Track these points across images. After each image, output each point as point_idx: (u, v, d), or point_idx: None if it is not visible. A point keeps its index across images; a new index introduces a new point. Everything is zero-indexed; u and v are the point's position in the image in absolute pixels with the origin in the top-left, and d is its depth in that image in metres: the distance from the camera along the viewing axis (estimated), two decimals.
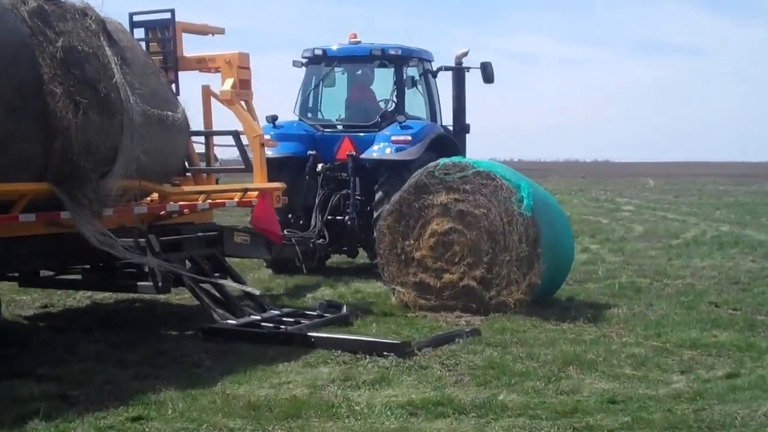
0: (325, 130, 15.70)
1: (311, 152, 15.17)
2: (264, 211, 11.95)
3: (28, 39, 8.55)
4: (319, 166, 15.11)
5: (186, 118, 10.69)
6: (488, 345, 9.60)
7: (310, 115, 15.94)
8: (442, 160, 12.12)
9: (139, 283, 10.49)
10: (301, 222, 14.81)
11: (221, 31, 12.99)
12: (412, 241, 11.81)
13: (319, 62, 15.94)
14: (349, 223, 14.68)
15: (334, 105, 16.22)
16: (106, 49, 9.30)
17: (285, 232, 13.15)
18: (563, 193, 41.58)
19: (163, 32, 12.22)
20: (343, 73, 16.27)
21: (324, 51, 15.80)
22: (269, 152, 13.39)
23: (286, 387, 8.01)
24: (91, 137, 8.79)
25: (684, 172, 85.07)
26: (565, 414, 7.18)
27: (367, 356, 9.01)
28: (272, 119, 15.18)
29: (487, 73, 16.27)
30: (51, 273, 11.29)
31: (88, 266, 10.95)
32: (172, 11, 12.13)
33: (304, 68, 16.09)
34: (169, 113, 10.14)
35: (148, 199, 10.99)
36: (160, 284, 10.07)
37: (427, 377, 8.33)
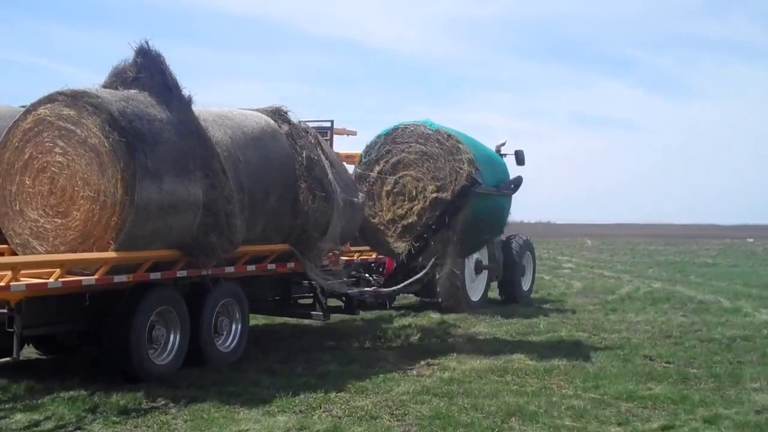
0: None
1: None
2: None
3: (290, 152, 11.36)
4: None
5: (364, 200, 12.83)
6: (435, 395, 9.06)
7: None
8: None
9: (313, 312, 12.69)
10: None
11: (354, 133, 15.64)
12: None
13: None
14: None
15: None
16: (322, 155, 11.86)
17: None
18: None
19: (323, 135, 13.81)
20: None
21: None
22: None
23: None
24: (318, 216, 11.47)
25: (618, 233, 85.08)
26: None
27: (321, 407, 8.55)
28: None
29: (519, 158, 18.10)
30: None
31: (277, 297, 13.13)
32: (332, 121, 14.55)
33: None
34: (355, 198, 12.47)
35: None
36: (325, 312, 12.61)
37: (377, 427, 7.78)
